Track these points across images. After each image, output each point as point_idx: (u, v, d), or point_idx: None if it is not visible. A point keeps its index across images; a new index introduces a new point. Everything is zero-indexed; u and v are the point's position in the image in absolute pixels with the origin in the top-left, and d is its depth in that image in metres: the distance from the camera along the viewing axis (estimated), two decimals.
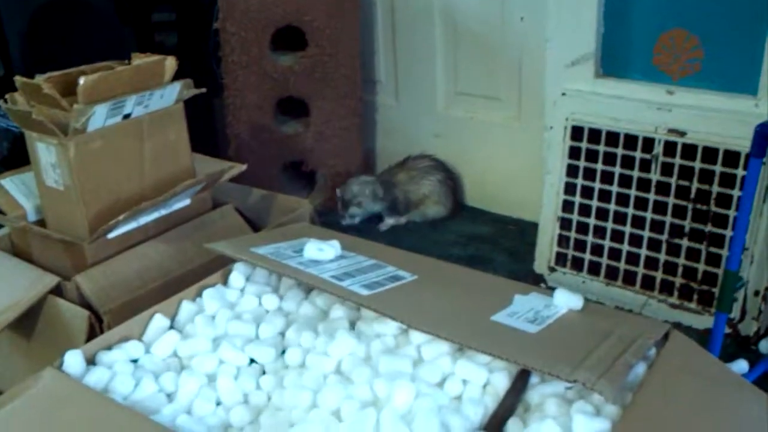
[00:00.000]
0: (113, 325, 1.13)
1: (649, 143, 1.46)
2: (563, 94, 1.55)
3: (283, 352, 1.04)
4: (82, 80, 1.20)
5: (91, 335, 1.19)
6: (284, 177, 2.08)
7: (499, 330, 0.97)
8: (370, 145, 2.27)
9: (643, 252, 1.51)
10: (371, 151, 2.28)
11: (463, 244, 1.89)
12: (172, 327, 1.12)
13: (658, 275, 1.50)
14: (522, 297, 1.07)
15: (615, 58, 1.52)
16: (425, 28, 2.04)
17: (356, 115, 2.09)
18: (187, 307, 1.14)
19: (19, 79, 1.26)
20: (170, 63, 1.34)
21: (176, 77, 1.36)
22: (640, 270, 1.52)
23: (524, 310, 1.03)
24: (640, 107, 1.46)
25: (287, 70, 1.93)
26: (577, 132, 1.55)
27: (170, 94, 1.35)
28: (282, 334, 1.08)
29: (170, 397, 0.98)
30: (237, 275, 1.20)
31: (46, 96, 1.23)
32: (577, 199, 1.58)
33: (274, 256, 1.15)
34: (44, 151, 1.28)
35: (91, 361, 1.02)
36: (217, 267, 1.27)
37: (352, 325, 1.08)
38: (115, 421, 0.88)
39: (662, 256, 1.49)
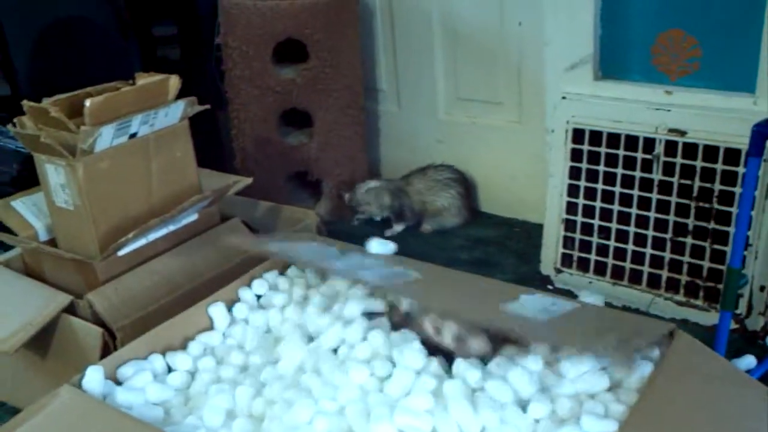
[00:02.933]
0: (126, 342, 1.16)
1: (650, 143, 1.47)
2: (563, 97, 1.57)
3: None
4: (88, 102, 1.22)
5: (105, 352, 1.21)
6: (290, 187, 2.10)
7: (511, 315, 0.99)
8: (374, 152, 2.29)
9: (648, 251, 1.52)
10: (375, 159, 2.30)
11: (470, 248, 1.90)
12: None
13: (664, 273, 1.51)
14: (528, 296, 1.09)
15: (613, 61, 1.54)
16: (425, 35, 2.06)
17: (359, 124, 2.11)
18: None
19: (26, 104, 1.29)
20: (174, 82, 1.36)
21: (180, 91, 1.38)
22: (646, 269, 1.53)
23: (532, 305, 1.05)
24: (640, 108, 1.48)
25: (290, 83, 1.95)
26: (578, 134, 1.56)
27: (175, 112, 1.37)
28: None
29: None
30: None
31: (54, 119, 1.25)
32: (581, 200, 1.59)
33: (288, 251, 1.18)
34: (53, 173, 1.31)
35: (111, 377, 1.04)
36: (228, 280, 1.29)
37: None
38: None
39: (667, 255, 1.50)
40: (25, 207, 1.48)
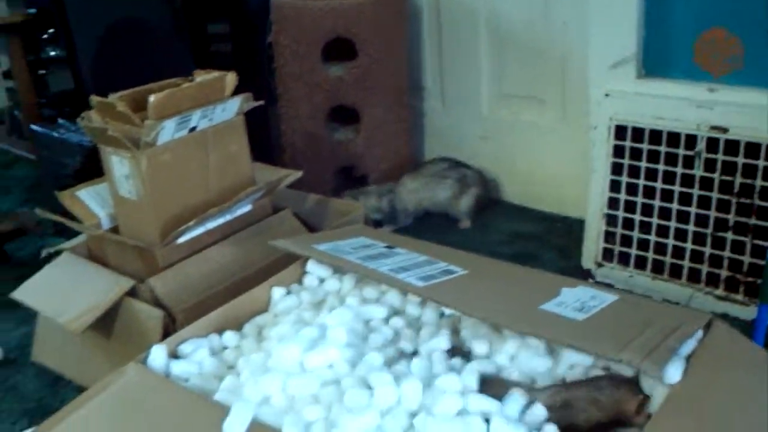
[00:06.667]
0: (184, 324, 1.23)
1: (691, 140, 1.50)
2: (606, 95, 1.60)
3: None
4: (151, 98, 1.30)
5: (165, 334, 1.29)
6: (336, 181, 2.16)
7: (547, 317, 1.03)
8: (419, 148, 2.34)
9: (689, 246, 1.55)
10: (420, 155, 2.35)
11: (510, 242, 1.95)
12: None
13: (704, 268, 1.54)
14: (569, 289, 1.13)
15: (656, 59, 1.56)
16: (470, 33, 2.10)
17: (404, 121, 2.16)
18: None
19: (94, 99, 1.37)
20: (231, 78, 1.43)
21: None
22: (686, 263, 1.56)
23: (571, 301, 1.09)
24: (682, 105, 1.50)
25: (338, 80, 2.01)
26: (620, 131, 1.59)
27: (232, 108, 1.44)
28: None
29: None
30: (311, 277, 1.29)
31: (120, 113, 1.33)
32: (623, 196, 1.62)
33: (334, 252, 1.23)
34: (118, 164, 1.39)
35: (173, 355, 1.11)
36: (278, 268, 1.35)
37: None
38: (199, 411, 0.97)
39: (707, 249, 1.52)
40: (90, 197, 1.56)
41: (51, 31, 1.79)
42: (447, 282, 1.14)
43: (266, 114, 2.30)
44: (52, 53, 1.87)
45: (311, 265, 1.30)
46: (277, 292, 1.27)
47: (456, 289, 1.12)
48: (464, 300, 1.08)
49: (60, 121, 2.00)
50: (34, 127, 2.05)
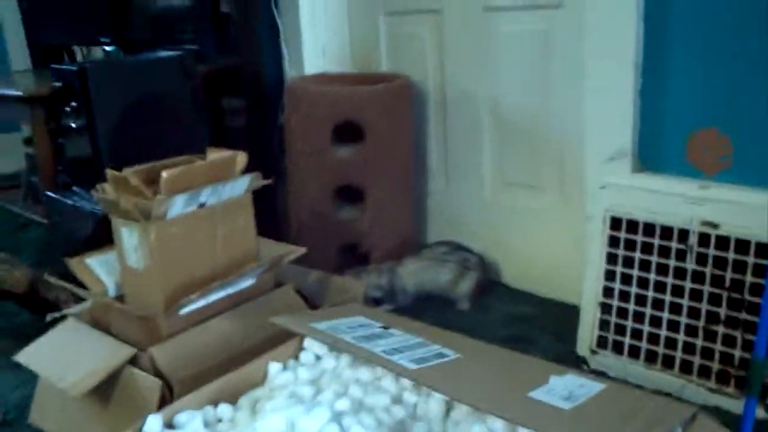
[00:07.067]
0: (182, 394, 1.25)
1: (684, 234, 1.55)
2: (602, 187, 1.66)
3: None
4: (165, 174, 1.36)
5: (162, 402, 1.31)
6: (340, 258, 2.21)
7: (535, 405, 1.06)
8: (421, 228, 2.40)
9: (681, 337, 1.57)
10: (423, 235, 2.40)
11: (507, 325, 1.97)
12: None
13: (696, 360, 1.56)
14: (558, 378, 1.16)
15: (651, 154, 1.63)
16: (474, 121, 2.18)
17: (408, 201, 2.23)
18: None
19: (110, 172, 1.44)
20: (241, 158, 1.50)
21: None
22: (679, 354, 1.58)
23: (560, 389, 1.11)
24: (676, 201, 1.55)
25: (345, 161, 2.08)
26: (616, 223, 1.64)
27: (241, 186, 1.51)
28: None
29: None
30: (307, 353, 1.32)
31: (132, 187, 1.39)
32: (617, 285, 1.66)
33: (331, 330, 1.27)
34: (127, 235, 1.44)
35: (168, 425, 1.13)
36: (277, 343, 1.39)
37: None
38: None
39: (699, 342, 1.55)
40: (98, 264, 1.61)
41: (73, 104, 1.88)
42: (439, 365, 1.17)
43: (275, 190, 2.37)
44: (72, 124, 1.96)
45: (308, 342, 1.33)
46: (274, 367, 1.30)
47: (447, 373, 1.15)
48: (454, 384, 1.11)
49: (74, 188, 2.07)
50: (49, 193, 2.12)
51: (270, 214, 2.37)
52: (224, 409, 1.19)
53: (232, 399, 1.24)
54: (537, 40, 1.98)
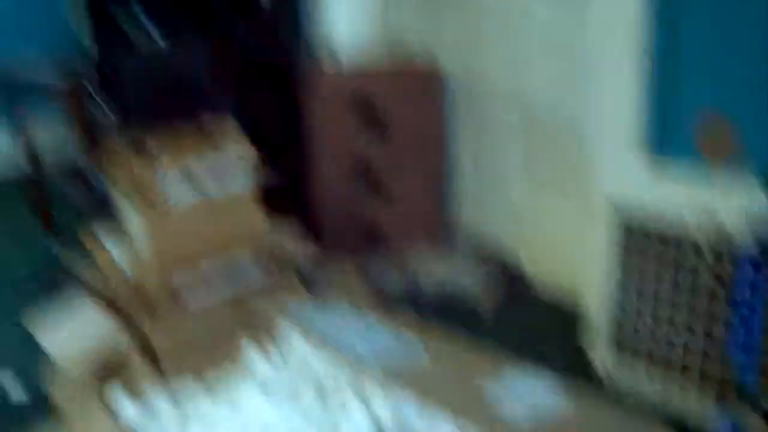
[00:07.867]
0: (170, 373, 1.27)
1: (697, 247, 1.47)
2: (617, 200, 1.60)
3: None
4: (166, 162, 1.40)
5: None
6: (364, 248, 2.22)
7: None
8: (448, 221, 2.38)
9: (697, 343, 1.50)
10: (449, 227, 2.38)
11: (526, 335, 1.91)
12: None
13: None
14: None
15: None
16: (499, 112, 2.15)
17: (436, 201, 2.24)
18: None
19: (113, 153, 1.48)
20: (250, 153, 1.54)
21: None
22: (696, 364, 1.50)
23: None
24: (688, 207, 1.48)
25: (374, 153, 2.10)
26: (628, 230, 1.58)
27: (245, 179, 1.53)
28: None
29: None
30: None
31: (138, 175, 1.44)
32: (631, 293, 1.59)
33: (314, 321, 1.27)
34: (133, 220, 1.48)
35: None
36: (263, 332, 1.39)
37: None
38: None
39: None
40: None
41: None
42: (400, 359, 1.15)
43: (304, 179, 2.38)
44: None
45: (289, 331, 1.33)
46: (254, 354, 1.30)
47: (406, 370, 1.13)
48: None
49: None
50: None
51: (299, 204, 2.37)
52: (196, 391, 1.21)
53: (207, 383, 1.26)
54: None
